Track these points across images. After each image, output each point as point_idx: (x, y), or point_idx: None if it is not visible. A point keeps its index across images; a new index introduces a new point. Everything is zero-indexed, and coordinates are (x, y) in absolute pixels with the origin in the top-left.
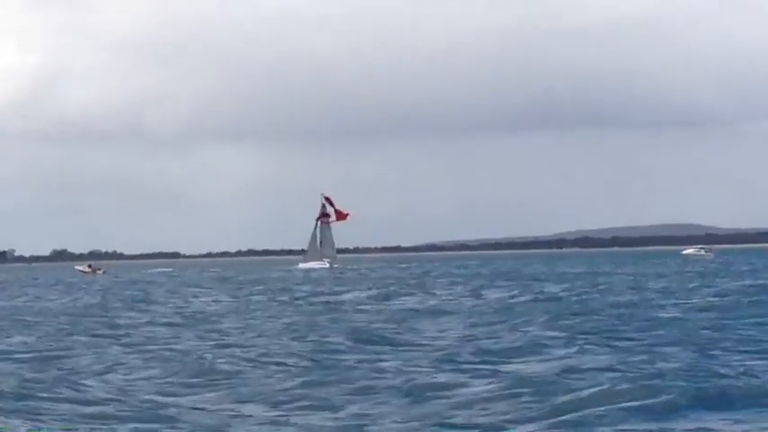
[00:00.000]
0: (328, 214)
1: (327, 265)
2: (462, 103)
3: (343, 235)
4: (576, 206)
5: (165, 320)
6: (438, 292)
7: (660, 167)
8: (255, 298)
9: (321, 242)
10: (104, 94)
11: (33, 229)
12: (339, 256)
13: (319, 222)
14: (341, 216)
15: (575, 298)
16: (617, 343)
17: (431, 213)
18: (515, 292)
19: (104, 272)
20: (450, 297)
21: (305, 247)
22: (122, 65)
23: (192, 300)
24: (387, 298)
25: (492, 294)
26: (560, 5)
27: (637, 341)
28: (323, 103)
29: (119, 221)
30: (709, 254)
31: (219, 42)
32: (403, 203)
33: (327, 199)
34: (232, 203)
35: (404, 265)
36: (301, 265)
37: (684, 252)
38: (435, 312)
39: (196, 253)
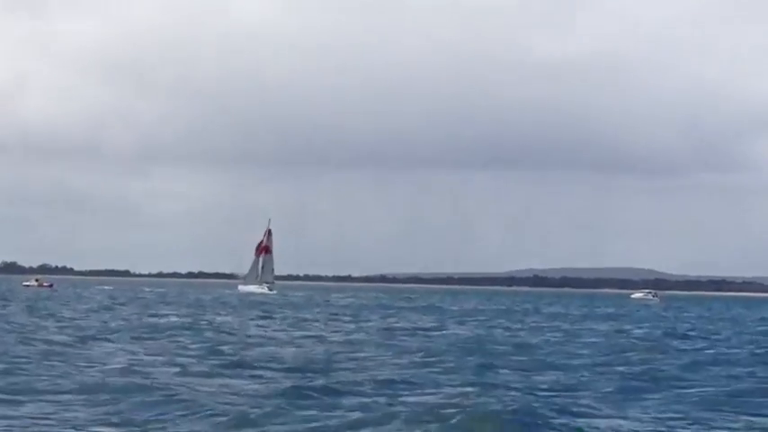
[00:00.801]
0: (268, 246)
1: (266, 290)
2: (417, 137)
3: (292, 260)
4: (529, 245)
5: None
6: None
7: (613, 212)
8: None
9: (263, 267)
10: (61, 108)
11: None
12: (284, 282)
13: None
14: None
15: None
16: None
17: (384, 245)
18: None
19: (51, 285)
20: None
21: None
22: (80, 80)
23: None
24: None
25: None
26: (516, 42)
27: None
28: (278, 128)
29: (70, 237)
30: (655, 298)
31: (177, 60)
32: (357, 234)
33: (269, 231)
34: (186, 225)
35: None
36: (240, 288)
37: (633, 296)
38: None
39: (146, 272)
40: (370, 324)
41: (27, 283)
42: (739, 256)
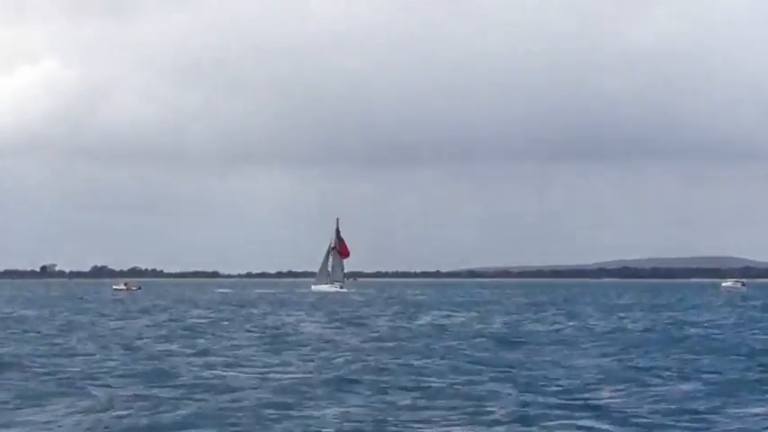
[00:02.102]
0: (341, 248)
1: (338, 288)
2: (501, 130)
3: (386, 256)
4: (617, 237)
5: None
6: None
7: (701, 201)
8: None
9: (332, 267)
10: (143, 112)
11: (75, 244)
12: (370, 280)
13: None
14: (345, 253)
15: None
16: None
17: (469, 240)
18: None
19: (139, 288)
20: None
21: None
22: (162, 84)
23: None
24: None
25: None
26: (600, 33)
27: None
28: (362, 125)
29: (159, 239)
30: (743, 287)
31: (260, 59)
32: (439, 230)
33: (337, 231)
34: (272, 224)
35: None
36: (314, 288)
37: (724, 285)
38: None
39: (235, 273)
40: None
41: (117, 287)
42: None
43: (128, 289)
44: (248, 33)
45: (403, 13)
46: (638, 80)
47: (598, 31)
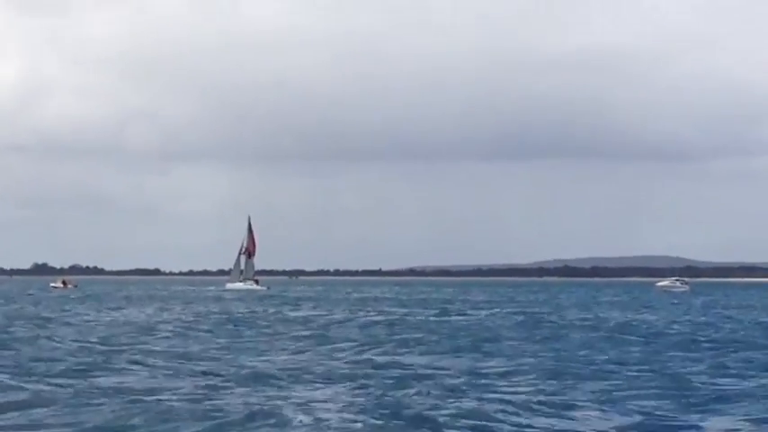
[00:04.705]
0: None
1: (252, 286)
2: (443, 130)
3: (320, 255)
4: (557, 236)
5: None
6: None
7: (642, 200)
8: None
9: (245, 264)
10: (84, 108)
11: (14, 241)
12: (313, 278)
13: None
14: (253, 250)
15: None
16: None
17: (411, 238)
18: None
19: (75, 286)
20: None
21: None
22: (101, 80)
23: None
24: None
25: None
26: (537, 35)
27: None
28: (298, 123)
29: (99, 236)
30: (684, 286)
31: (199, 61)
32: (381, 227)
33: (249, 228)
34: (211, 223)
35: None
36: (228, 285)
37: (659, 284)
38: None
39: (176, 270)
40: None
41: (54, 285)
42: None
43: (65, 286)
44: (182, 32)
45: (342, 12)
46: (571, 80)
47: (533, 35)
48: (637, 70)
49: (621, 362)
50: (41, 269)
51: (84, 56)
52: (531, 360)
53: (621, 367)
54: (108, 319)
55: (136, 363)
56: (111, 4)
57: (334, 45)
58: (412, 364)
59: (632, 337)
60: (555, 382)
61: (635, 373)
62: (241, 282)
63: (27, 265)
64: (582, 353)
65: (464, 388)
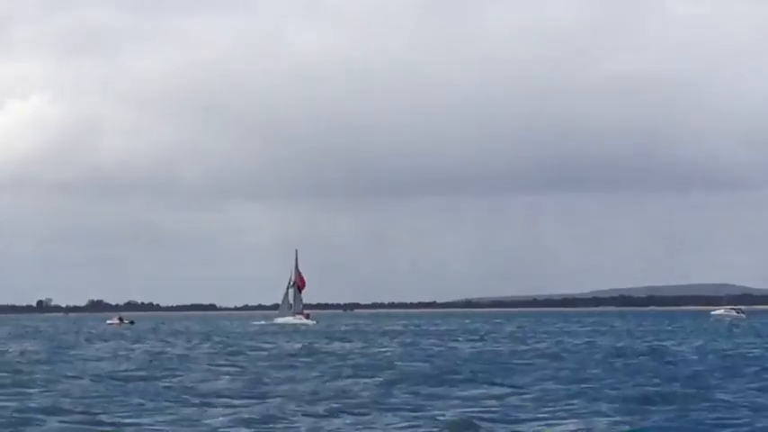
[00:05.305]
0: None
1: (301, 320)
2: (489, 162)
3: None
4: (612, 265)
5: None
6: None
7: (693, 228)
8: None
9: (294, 299)
10: (138, 146)
11: (70, 278)
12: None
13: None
14: (302, 284)
15: None
16: None
17: (465, 270)
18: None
19: (131, 322)
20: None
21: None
22: (154, 117)
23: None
24: None
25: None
26: (574, 62)
27: None
28: (348, 159)
29: (154, 272)
30: (740, 314)
31: (250, 98)
32: (435, 260)
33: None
34: (266, 258)
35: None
36: (277, 320)
37: (714, 312)
38: None
39: (231, 305)
40: None
41: (110, 322)
42: None
43: (120, 323)
44: (228, 68)
45: (375, 43)
46: (626, 108)
47: (588, 59)
48: (689, 96)
49: None
50: (97, 306)
51: (136, 94)
52: None
53: None
54: None
55: None
56: (160, 45)
57: (384, 78)
58: None
59: None
60: None
61: None
62: (291, 315)
63: (83, 302)
64: None
65: None
